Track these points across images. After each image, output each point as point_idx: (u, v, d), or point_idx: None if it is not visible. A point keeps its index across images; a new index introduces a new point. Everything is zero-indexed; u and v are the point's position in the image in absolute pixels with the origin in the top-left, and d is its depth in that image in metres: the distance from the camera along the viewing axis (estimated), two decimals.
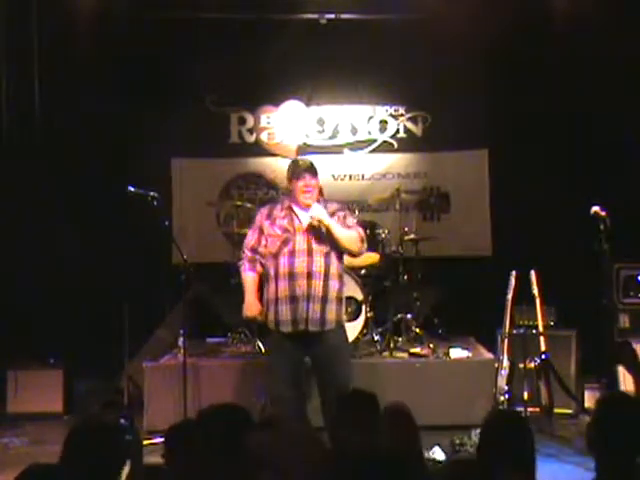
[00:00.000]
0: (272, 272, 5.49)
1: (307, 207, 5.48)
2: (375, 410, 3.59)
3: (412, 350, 7.20)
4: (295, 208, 5.55)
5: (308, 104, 8.82)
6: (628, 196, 7.47)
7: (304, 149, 8.71)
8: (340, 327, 5.57)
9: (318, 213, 5.41)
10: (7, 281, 7.47)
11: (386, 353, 7.14)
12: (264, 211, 5.69)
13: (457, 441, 6.04)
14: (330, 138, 8.86)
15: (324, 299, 5.38)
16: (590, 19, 7.76)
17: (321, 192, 5.90)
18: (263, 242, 5.58)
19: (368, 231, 7.02)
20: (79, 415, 7.13)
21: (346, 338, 5.79)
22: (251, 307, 5.62)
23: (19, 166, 7.77)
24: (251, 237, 5.67)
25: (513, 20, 7.97)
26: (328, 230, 5.41)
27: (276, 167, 8.77)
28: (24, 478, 2.73)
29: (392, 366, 6.96)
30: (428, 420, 5.39)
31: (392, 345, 7.16)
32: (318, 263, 5.41)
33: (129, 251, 7.77)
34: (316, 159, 6.07)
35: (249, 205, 7.98)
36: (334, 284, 5.46)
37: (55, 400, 7.35)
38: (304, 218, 5.52)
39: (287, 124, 8.84)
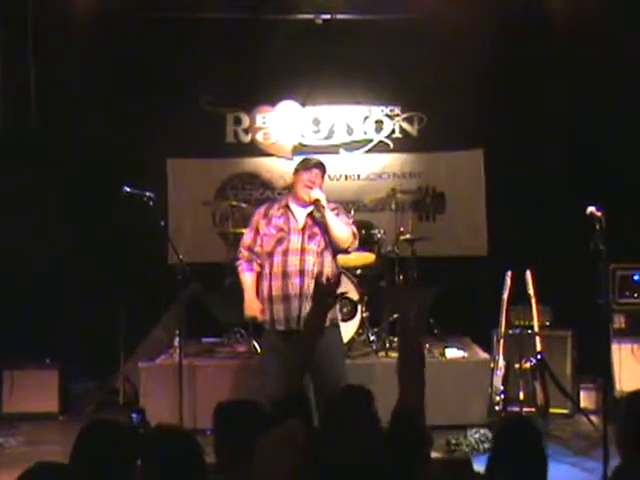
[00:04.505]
0: (267, 271, 5.56)
1: (304, 203, 5.51)
2: (367, 407, 3.47)
3: None
4: (292, 206, 5.60)
5: (304, 104, 8.80)
6: (624, 196, 7.48)
7: (300, 149, 8.71)
8: (334, 326, 5.57)
9: (318, 195, 5.47)
10: (2, 282, 7.45)
11: (382, 353, 7.15)
12: (261, 210, 5.74)
13: (453, 441, 6.07)
14: (326, 138, 8.84)
15: None
16: (590, 19, 7.75)
17: None
18: (259, 242, 5.64)
19: (364, 231, 7.06)
20: (78, 415, 7.11)
21: (340, 339, 5.80)
22: (251, 306, 5.67)
23: (16, 167, 7.74)
24: (247, 237, 5.73)
25: (512, 20, 7.98)
26: (323, 218, 5.47)
27: (272, 167, 8.77)
28: (30, 477, 2.66)
29: (388, 366, 6.92)
30: None
31: (388, 345, 7.17)
32: (311, 262, 5.45)
33: (125, 251, 7.76)
34: None
35: (245, 205, 7.98)
36: None
37: (51, 400, 7.33)
38: (300, 216, 5.55)
39: (283, 124, 8.81)
